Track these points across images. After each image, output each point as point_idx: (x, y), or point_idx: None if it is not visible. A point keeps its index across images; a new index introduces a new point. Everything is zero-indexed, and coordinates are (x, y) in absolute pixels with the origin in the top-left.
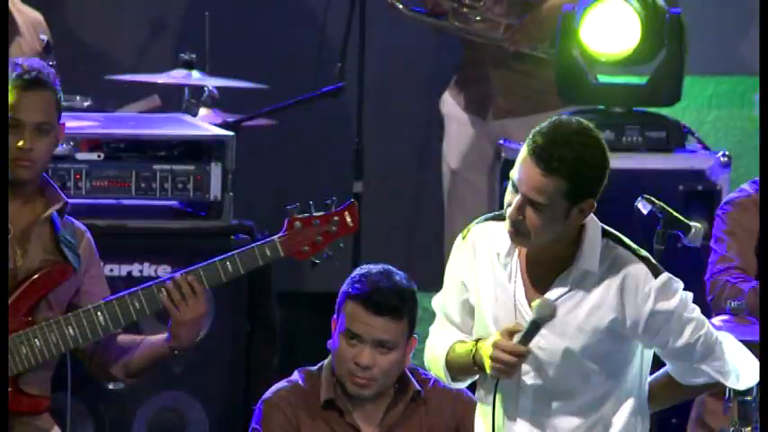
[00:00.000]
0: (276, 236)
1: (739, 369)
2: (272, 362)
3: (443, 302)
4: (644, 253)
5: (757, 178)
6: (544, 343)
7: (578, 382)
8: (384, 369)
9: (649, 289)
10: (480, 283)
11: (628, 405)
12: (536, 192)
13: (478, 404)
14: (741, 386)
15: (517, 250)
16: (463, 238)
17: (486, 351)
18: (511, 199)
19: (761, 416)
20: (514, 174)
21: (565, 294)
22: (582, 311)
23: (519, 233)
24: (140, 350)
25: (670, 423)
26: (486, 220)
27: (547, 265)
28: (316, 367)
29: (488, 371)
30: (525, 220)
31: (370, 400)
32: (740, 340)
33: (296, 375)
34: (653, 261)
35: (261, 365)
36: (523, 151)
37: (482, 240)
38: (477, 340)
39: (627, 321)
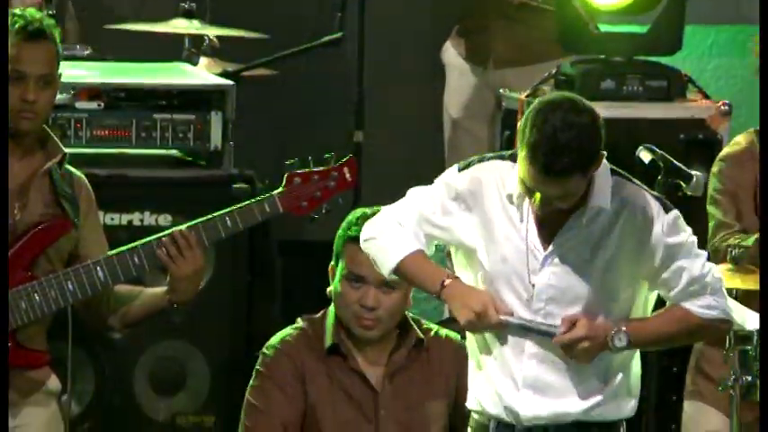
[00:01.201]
0: (275, 192)
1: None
2: (272, 311)
3: (405, 214)
4: (652, 191)
5: (752, 128)
6: (555, 280)
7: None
8: (389, 308)
9: (662, 222)
10: (490, 224)
11: (628, 355)
12: (562, 199)
13: (475, 355)
14: (750, 325)
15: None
16: (459, 172)
17: (462, 297)
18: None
19: (761, 411)
20: (529, 183)
21: (577, 234)
22: (596, 247)
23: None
24: (138, 302)
25: (671, 371)
26: (491, 159)
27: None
28: (318, 315)
29: (459, 317)
30: (554, 207)
31: (374, 344)
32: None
33: (299, 323)
34: (662, 197)
35: (261, 315)
36: (529, 167)
37: (490, 182)
38: (450, 275)
39: (641, 255)
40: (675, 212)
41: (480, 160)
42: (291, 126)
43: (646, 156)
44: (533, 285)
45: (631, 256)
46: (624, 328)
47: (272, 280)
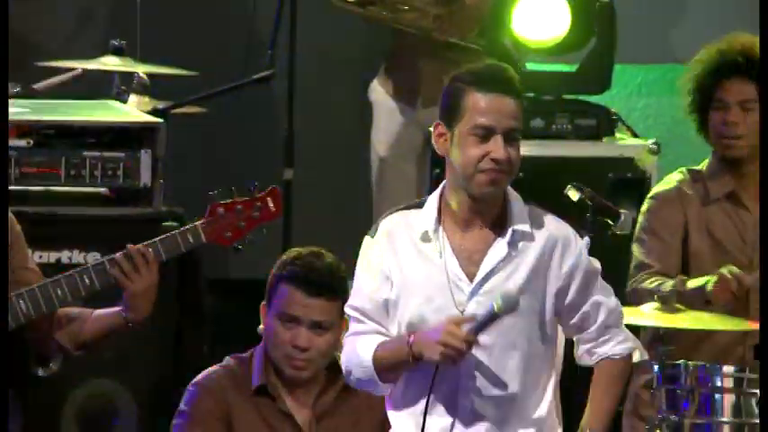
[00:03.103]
0: (199, 222)
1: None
2: (202, 349)
3: (361, 305)
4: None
5: (685, 167)
6: (485, 310)
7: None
8: (321, 350)
9: (579, 247)
10: (406, 269)
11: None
12: (515, 121)
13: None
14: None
15: (441, 227)
16: (372, 237)
17: (428, 340)
18: (481, 151)
19: (760, 416)
20: (481, 121)
21: (503, 259)
22: (522, 274)
23: (506, 173)
24: (92, 322)
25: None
26: (391, 213)
27: (477, 235)
28: (246, 354)
29: (435, 357)
30: (511, 158)
31: (302, 386)
32: (667, 329)
33: (228, 361)
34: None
35: (191, 353)
36: (483, 94)
37: (398, 229)
38: (410, 333)
39: (561, 280)
40: (587, 238)
41: (384, 217)
42: (222, 164)
43: (574, 194)
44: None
45: (555, 279)
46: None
47: (201, 318)
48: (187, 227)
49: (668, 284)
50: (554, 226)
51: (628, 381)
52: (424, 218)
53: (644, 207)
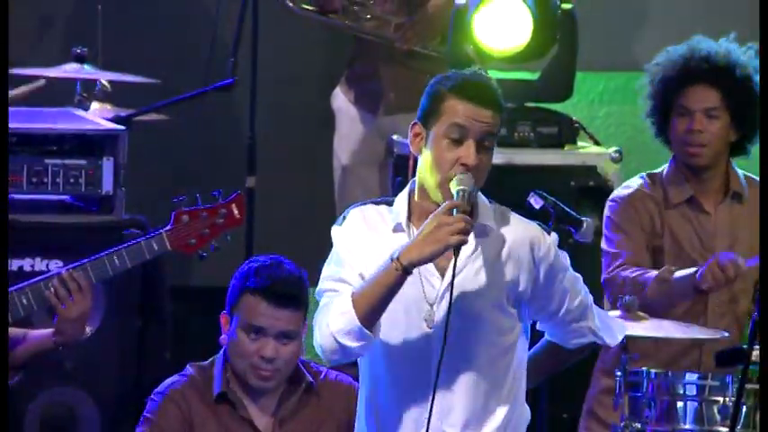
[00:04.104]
0: (163, 229)
1: (611, 327)
2: (164, 357)
3: (330, 286)
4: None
5: (643, 173)
6: (456, 306)
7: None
8: (287, 359)
9: (548, 244)
10: (378, 257)
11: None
12: (490, 126)
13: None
14: (614, 342)
15: (411, 223)
16: (340, 225)
17: (418, 241)
18: (454, 155)
19: (761, 416)
20: (452, 127)
21: (472, 254)
22: (492, 267)
23: (477, 182)
24: (24, 344)
25: (561, 418)
26: (363, 204)
27: None
28: (207, 362)
29: (450, 241)
30: (479, 166)
31: (263, 393)
32: (630, 336)
33: (189, 370)
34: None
35: (153, 360)
36: (462, 101)
37: (370, 218)
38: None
39: (529, 275)
40: (555, 235)
41: (355, 206)
42: (184, 171)
43: (536, 202)
44: (434, 313)
45: (523, 274)
46: None
47: (163, 325)
48: (152, 234)
49: (652, 273)
50: (522, 223)
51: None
52: (395, 212)
53: (606, 210)
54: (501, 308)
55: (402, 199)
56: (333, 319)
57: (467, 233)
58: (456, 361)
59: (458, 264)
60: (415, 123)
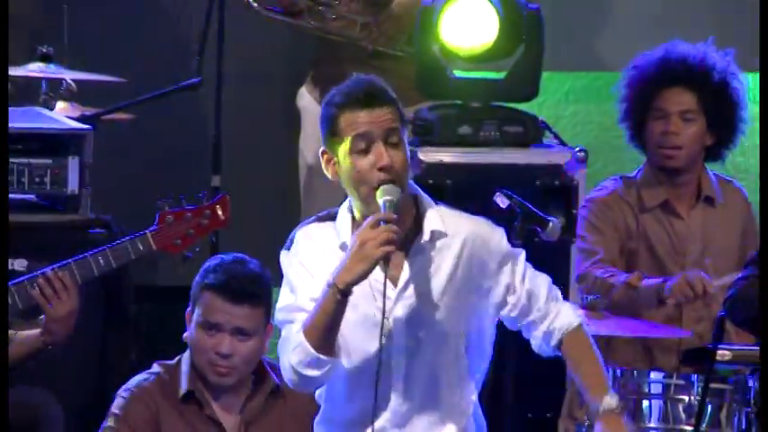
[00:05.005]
0: (148, 230)
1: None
2: (128, 356)
3: (287, 316)
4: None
5: (617, 176)
6: (411, 314)
7: (447, 356)
8: (244, 356)
9: (498, 237)
10: (329, 273)
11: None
12: (388, 122)
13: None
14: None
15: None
16: (288, 250)
17: (347, 262)
18: (367, 163)
19: (761, 412)
20: (356, 138)
21: (424, 261)
22: (443, 275)
23: (393, 182)
24: (13, 346)
25: (545, 417)
26: (307, 224)
27: None
28: (174, 360)
29: (374, 256)
30: (394, 164)
31: (230, 391)
32: (594, 335)
33: (155, 368)
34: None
35: (117, 359)
36: (354, 112)
37: (317, 238)
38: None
39: (485, 271)
40: (502, 229)
41: (299, 229)
42: (149, 170)
43: (502, 201)
44: (391, 324)
45: (478, 274)
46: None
47: (127, 325)
48: (137, 235)
49: (623, 276)
50: (469, 223)
51: None
52: (339, 228)
53: (582, 212)
54: (457, 310)
55: (343, 215)
56: (291, 354)
57: (392, 243)
58: (418, 370)
59: (408, 273)
60: (324, 152)
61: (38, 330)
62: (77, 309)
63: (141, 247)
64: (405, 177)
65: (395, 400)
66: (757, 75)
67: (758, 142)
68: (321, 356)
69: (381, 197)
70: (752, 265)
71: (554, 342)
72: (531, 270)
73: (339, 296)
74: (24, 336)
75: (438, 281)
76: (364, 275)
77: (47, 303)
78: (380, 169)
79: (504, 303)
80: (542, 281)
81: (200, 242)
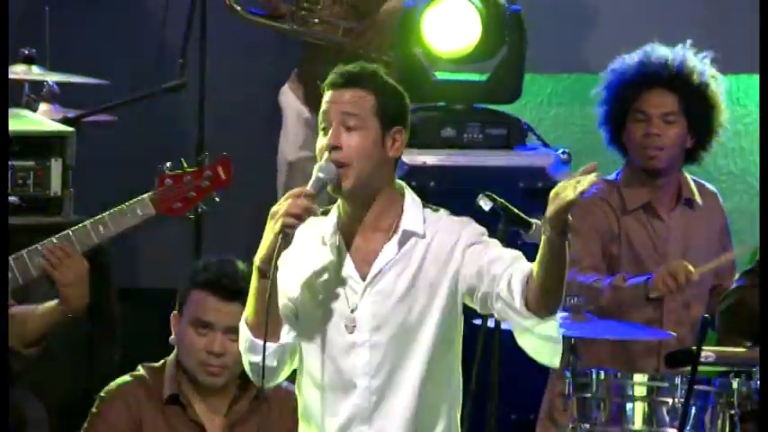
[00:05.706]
0: (147, 194)
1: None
2: (113, 359)
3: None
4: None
5: (599, 178)
6: (376, 309)
7: (414, 355)
8: (236, 355)
9: (462, 230)
10: (305, 270)
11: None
12: (349, 105)
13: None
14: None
15: (340, 230)
16: None
17: (263, 237)
18: (323, 141)
19: (761, 413)
20: (321, 117)
21: (393, 259)
22: (411, 271)
23: (341, 165)
24: (34, 319)
25: (528, 419)
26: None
27: (372, 238)
28: (159, 364)
29: (273, 229)
30: (344, 149)
31: (215, 394)
32: (576, 336)
33: (139, 370)
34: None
35: (102, 362)
36: (326, 93)
37: (307, 232)
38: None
39: (459, 261)
40: (468, 218)
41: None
42: (132, 172)
43: (485, 203)
44: (355, 317)
45: (451, 273)
46: None
47: (112, 327)
48: (136, 199)
49: (608, 279)
50: (447, 222)
51: None
52: (326, 223)
53: None
54: (426, 308)
55: (333, 210)
56: (243, 351)
57: (296, 217)
58: (392, 368)
59: (376, 269)
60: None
61: (55, 301)
62: (86, 273)
63: (140, 212)
64: (360, 164)
65: (360, 394)
66: (738, 76)
67: (743, 145)
68: (254, 339)
69: (316, 172)
70: (744, 278)
71: (520, 284)
72: (500, 248)
73: (258, 275)
74: (44, 308)
75: (404, 278)
76: (271, 249)
77: (54, 271)
78: (331, 149)
79: (475, 286)
80: (509, 252)
81: (204, 203)
